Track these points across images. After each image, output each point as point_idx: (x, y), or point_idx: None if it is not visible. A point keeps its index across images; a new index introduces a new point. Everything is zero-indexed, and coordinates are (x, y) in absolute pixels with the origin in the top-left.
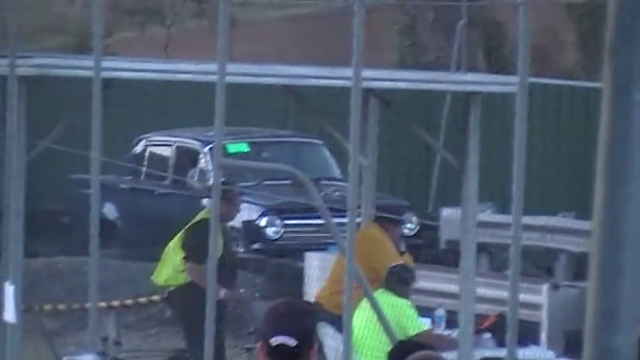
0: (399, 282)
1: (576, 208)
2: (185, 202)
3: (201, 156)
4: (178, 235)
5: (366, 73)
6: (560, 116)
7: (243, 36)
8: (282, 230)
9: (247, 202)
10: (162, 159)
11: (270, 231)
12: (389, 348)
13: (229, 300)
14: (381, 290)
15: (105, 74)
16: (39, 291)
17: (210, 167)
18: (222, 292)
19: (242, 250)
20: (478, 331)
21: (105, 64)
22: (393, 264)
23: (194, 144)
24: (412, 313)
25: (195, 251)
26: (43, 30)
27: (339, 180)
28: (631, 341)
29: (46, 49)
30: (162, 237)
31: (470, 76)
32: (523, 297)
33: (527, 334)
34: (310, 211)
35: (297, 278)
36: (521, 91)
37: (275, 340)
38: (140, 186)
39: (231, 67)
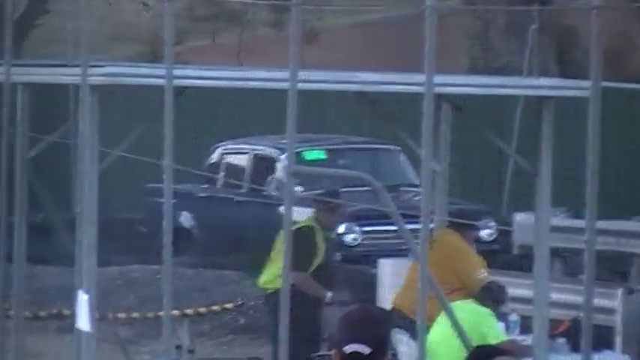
0: (492, 299)
1: None
2: (262, 210)
3: (278, 164)
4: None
5: (438, 78)
6: (633, 120)
7: (315, 43)
8: (361, 237)
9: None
10: (239, 167)
11: (348, 238)
12: (463, 356)
13: (333, 303)
14: (469, 300)
15: (177, 82)
16: (113, 299)
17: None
18: (329, 295)
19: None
20: (552, 336)
21: (177, 72)
22: (487, 280)
23: (271, 152)
24: (494, 322)
25: (295, 258)
26: (115, 39)
27: (418, 186)
28: None
29: (118, 58)
30: (237, 246)
31: (542, 81)
32: (597, 302)
33: (602, 339)
34: (388, 218)
35: (370, 284)
36: (594, 94)
37: (349, 348)
38: (217, 194)
39: (302, 74)
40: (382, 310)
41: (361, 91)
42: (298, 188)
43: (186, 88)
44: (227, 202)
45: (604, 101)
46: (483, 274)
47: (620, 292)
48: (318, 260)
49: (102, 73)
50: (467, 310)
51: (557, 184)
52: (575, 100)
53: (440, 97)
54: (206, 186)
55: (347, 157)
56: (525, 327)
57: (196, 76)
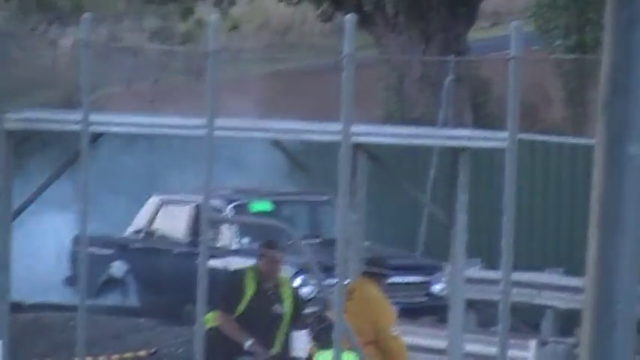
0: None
1: (564, 264)
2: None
3: (224, 214)
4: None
5: (355, 128)
6: (547, 172)
7: (231, 91)
8: (317, 290)
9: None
10: (179, 218)
11: (304, 291)
12: None
13: (255, 353)
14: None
15: (92, 128)
16: (25, 346)
17: (234, 227)
18: (248, 343)
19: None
20: None
21: (93, 118)
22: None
23: (216, 203)
24: None
25: (221, 300)
26: (31, 85)
27: None
28: None
29: (33, 104)
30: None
31: (459, 132)
32: (511, 353)
33: None
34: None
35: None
36: (511, 146)
37: None
38: (155, 245)
39: (219, 122)
40: None
41: (277, 139)
42: (245, 240)
43: (102, 134)
44: (165, 254)
45: (519, 153)
46: (396, 332)
47: (533, 343)
48: (243, 305)
49: (18, 119)
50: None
51: (471, 235)
52: (490, 152)
53: (356, 147)
54: (141, 236)
55: (292, 209)
56: None
57: (113, 122)
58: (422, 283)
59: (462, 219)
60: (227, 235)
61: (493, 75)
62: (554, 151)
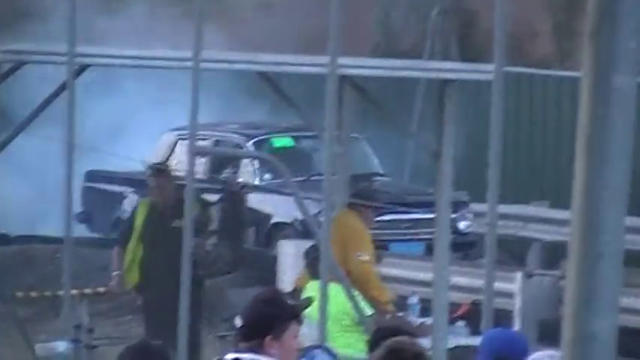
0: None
1: (550, 197)
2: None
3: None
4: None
5: (342, 60)
6: (533, 105)
7: (218, 25)
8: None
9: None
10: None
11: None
12: (352, 331)
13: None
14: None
15: (79, 60)
16: (11, 278)
17: (255, 163)
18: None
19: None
20: (452, 320)
21: (79, 49)
22: (367, 262)
23: (235, 138)
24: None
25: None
26: (16, 15)
27: (384, 175)
28: (610, 326)
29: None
30: None
31: (445, 64)
32: (497, 285)
33: (501, 323)
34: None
35: (271, 266)
36: (497, 78)
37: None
38: None
39: (205, 54)
40: (275, 292)
41: (264, 71)
42: (267, 176)
43: (88, 66)
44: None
45: (505, 86)
46: (364, 257)
47: (519, 275)
48: (135, 238)
49: (2, 51)
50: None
51: (458, 168)
52: (478, 85)
53: (343, 79)
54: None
55: (316, 144)
56: (425, 310)
57: (98, 54)
58: None
59: (448, 150)
60: (248, 171)
61: (480, 7)
62: (539, 84)
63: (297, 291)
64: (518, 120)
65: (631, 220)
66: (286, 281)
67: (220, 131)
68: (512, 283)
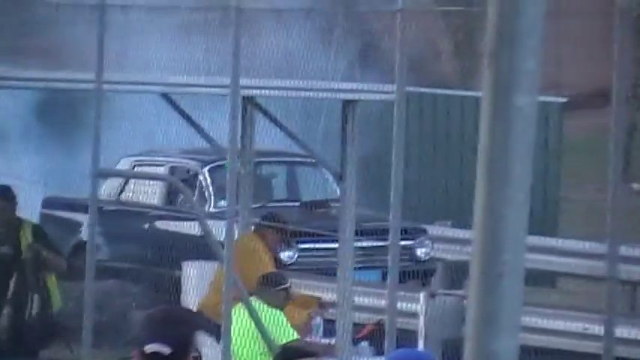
0: (268, 286)
1: (453, 217)
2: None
3: (200, 177)
4: None
5: (244, 81)
6: (436, 125)
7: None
8: (296, 255)
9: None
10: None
11: (283, 256)
12: (266, 355)
13: None
14: (253, 298)
15: None
16: None
17: (210, 189)
18: None
19: None
20: (355, 340)
21: None
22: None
23: (192, 164)
24: (283, 321)
25: None
26: None
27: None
28: (512, 345)
29: None
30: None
31: (347, 85)
32: (400, 305)
33: (405, 343)
34: (325, 235)
35: (175, 288)
36: (399, 98)
37: (149, 348)
38: (131, 207)
39: (107, 76)
40: (187, 310)
41: (166, 92)
42: (222, 203)
43: None
44: (141, 216)
45: (408, 106)
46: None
47: (422, 295)
48: None
49: None
50: (258, 312)
51: (361, 187)
52: (380, 105)
53: (246, 100)
54: (114, 199)
55: (273, 169)
56: (329, 331)
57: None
58: (404, 247)
59: (350, 170)
60: (203, 199)
61: (382, 28)
62: (442, 103)
63: (201, 311)
64: (421, 139)
65: (532, 240)
66: (190, 302)
67: (176, 157)
68: (416, 303)
